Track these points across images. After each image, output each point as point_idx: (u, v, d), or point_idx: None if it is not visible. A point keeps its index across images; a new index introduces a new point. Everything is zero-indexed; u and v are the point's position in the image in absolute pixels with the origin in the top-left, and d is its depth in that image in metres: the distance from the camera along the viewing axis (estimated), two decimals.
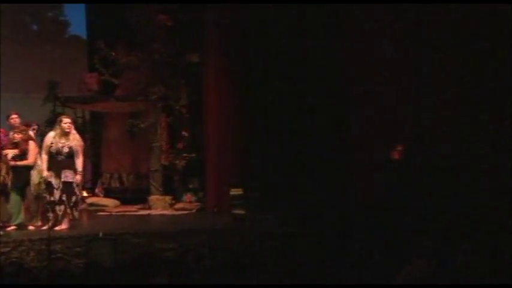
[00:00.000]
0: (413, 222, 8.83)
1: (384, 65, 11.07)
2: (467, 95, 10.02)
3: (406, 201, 9.66)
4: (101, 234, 8.95)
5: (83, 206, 11.35)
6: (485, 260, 6.07)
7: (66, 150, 9.59)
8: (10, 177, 9.79)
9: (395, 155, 10.31)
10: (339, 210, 10.32)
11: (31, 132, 10.31)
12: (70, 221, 9.75)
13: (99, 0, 14.27)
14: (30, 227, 9.70)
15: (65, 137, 9.65)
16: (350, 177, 11.49)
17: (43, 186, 9.72)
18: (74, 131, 9.86)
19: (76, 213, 9.85)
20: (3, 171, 9.79)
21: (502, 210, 8.88)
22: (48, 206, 9.66)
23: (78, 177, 9.73)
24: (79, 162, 9.72)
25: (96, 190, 13.69)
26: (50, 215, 9.62)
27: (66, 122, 9.73)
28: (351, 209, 10.45)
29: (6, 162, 9.81)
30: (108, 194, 13.65)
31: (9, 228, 9.46)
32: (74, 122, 10.72)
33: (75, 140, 9.76)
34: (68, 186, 9.63)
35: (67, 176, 9.62)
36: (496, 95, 9.64)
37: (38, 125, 10.88)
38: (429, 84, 10.60)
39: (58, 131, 9.67)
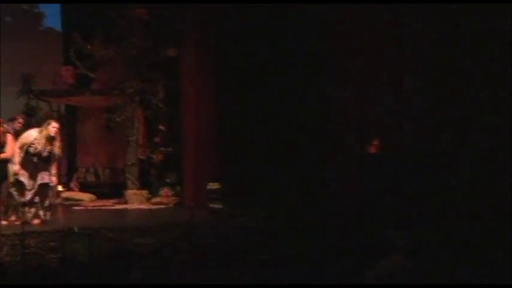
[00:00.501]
0: (389, 216, 8.81)
1: (361, 64, 11.14)
2: (439, 90, 10.06)
3: (382, 195, 9.66)
4: (75, 229, 8.86)
5: (58, 200, 11.32)
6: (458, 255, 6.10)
7: (45, 154, 9.65)
8: None
9: (372, 150, 10.44)
10: (316, 205, 10.36)
11: (7, 126, 10.20)
12: (42, 222, 9.73)
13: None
14: (3, 222, 9.65)
15: (49, 141, 9.67)
16: (327, 172, 11.54)
17: (12, 180, 9.73)
18: (57, 134, 9.89)
19: (48, 214, 9.86)
20: None
21: (475, 206, 8.92)
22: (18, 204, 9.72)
23: (54, 179, 9.82)
24: (54, 166, 9.85)
25: (72, 184, 13.70)
26: (25, 209, 9.62)
27: (54, 126, 9.73)
28: (327, 204, 10.40)
29: None
30: (83, 188, 13.67)
31: None
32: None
33: (56, 147, 9.81)
34: (43, 188, 9.69)
35: (43, 177, 9.68)
36: (466, 90, 9.67)
37: (23, 118, 10.85)
38: (404, 80, 10.66)
39: (44, 133, 9.66)
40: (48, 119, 10.23)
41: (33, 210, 9.65)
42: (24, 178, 9.56)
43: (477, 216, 8.46)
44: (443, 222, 8.37)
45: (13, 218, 9.76)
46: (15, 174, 9.54)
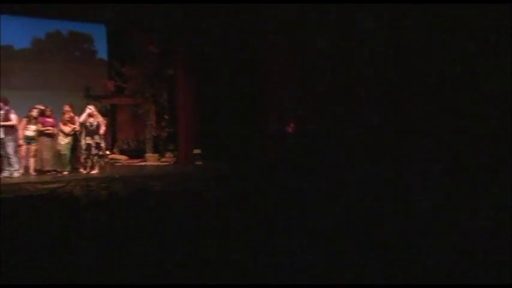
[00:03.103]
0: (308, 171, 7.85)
1: (285, 63, 10.67)
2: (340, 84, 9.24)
3: (302, 157, 9.29)
4: (117, 176, 9.14)
5: (106, 160, 11.27)
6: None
7: (95, 123, 9.92)
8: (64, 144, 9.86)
9: (289, 129, 10.52)
10: (259, 162, 10.24)
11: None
12: (100, 168, 10.08)
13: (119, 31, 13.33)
14: (81, 171, 9.86)
15: (96, 115, 10.07)
16: (266, 140, 11.17)
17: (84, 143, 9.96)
18: (97, 113, 10.21)
19: (102, 163, 10.31)
20: (63, 141, 9.81)
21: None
22: (91, 158, 9.89)
23: (103, 129, 10.01)
24: (102, 128, 9.99)
25: (114, 150, 13.39)
26: (88, 164, 9.87)
27: (91, 108, 10.07)
28: (268, 161, 10.23)
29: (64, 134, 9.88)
30: (121, 152, 13.42)
31: (64, 173, 9.61)
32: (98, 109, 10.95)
33: (100, 118, 10.11)
34: (98, 146, 10.00)
35: (95, 138, 9.91)
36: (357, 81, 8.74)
37: (95, 106, 10.63)
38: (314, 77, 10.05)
39: (92, 112, 10.01)
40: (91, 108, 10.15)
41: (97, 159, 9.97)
42: (90, 141, 9.82)
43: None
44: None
45: (83, 169, 9.88)
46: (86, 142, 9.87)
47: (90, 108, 10.06)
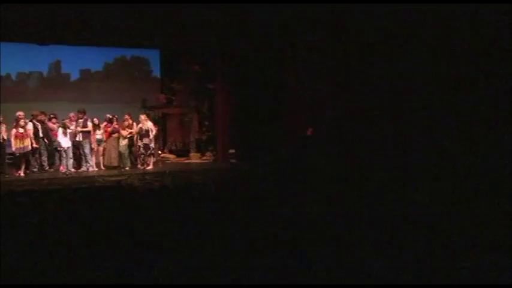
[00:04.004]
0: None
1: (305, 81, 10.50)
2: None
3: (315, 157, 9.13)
4: (167, 171, 9.41)
5: (159, 158, 11.45)
6: None
7: (146, 127, 10.09)
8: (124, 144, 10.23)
9: (309, 132, 10.38)
10: (278, 158, 10.01)
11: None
12: (154, 164, 10.31)
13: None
14: (139, 166, 10.17)
15: (145, 122, 10.22)
16: (286, 141, 10.76)
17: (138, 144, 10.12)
18: (148, 121, 10.37)
19: (154, 160, 10.35)
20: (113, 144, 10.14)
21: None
22: (143, 156, 10.17)
23: (152, 133, 10.13)
24: (152, 133, 10.13)
25: (165, 150, 13.54)
26: (143, 161, 10.11)
27: (143, 118, 10.21)
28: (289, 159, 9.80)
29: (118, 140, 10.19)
30: (170, 152, 13.50)
31: (126, 169, 9.95)
32: (151, 117, 11.27)
33: (150, 124, 10.23)
34: (146, 147, 10.09)
35: (145, 140, 10.02)
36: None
37: (148, 115, 11.11)
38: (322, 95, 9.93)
39: (143, 120, 10.19)
40: (145, 117, 10.46)
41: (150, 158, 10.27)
42: (145, 142, 10.05)
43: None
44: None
45: (140, 165, 10.19)
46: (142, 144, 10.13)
47: (142, 117, 10.44)
